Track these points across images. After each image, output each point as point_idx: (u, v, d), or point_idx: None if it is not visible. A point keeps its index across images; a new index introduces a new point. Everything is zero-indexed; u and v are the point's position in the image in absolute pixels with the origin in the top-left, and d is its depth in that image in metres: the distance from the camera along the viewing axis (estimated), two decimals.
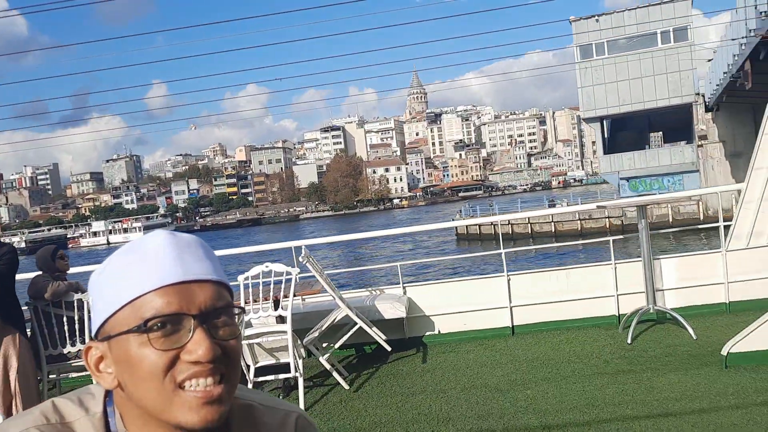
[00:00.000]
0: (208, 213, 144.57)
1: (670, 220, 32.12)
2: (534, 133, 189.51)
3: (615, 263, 5.53)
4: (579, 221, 34.75)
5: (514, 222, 36.23)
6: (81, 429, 0.83)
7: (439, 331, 5.69)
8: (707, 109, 32.18)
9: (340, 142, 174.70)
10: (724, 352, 4.13)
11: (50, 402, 0.85)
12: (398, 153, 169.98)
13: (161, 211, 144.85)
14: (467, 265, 26.23)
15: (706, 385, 3.94)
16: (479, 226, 38.03)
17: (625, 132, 41.78)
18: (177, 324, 0.77)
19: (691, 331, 4.80)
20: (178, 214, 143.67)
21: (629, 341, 4.88)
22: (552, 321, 5.57)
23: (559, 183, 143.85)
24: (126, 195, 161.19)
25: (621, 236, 6.02)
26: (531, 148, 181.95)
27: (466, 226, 39.05)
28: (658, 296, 5.09)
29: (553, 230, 35.13)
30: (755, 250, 5.37)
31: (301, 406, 4.22)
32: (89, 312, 4.61)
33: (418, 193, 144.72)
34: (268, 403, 0.95)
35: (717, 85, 28.81)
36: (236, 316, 0.83)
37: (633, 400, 3.83)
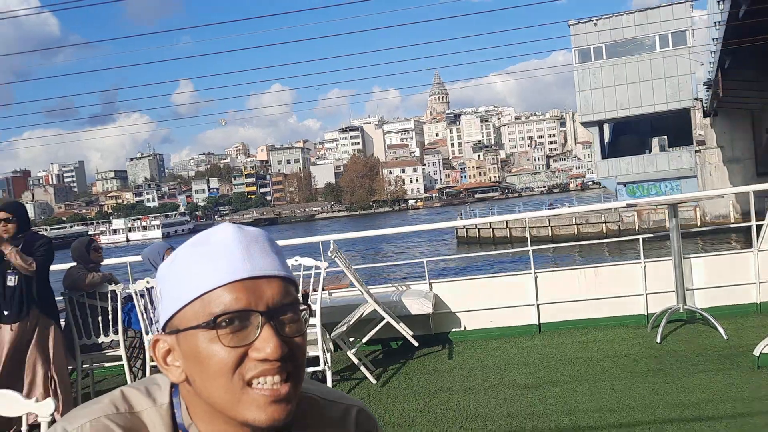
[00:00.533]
0: (226, 212, 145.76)
1: (667, 225, 31.61)
2: (554, 135, 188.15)
3: (644, 262, 5.48)
4: (576, 225, 34.34)
5: (512, 226, 36.07)
6: (148, 419, 0.84)
7: (465, 328, 5.69)
8: (705, 114, 31.73)
9: (359, 143, 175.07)
10: (756, 352, 4.07)
11: (119, 391, 0.86)
12: (416, 154, 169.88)
13: (181, 209, 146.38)
14: (467, 265, 26.05)
15: (738, 386, 3.89)
16: (479, 229, 37.81)
17: (628, 136, 41.72)
18: (245, 321, 0.77)
19: (722, 331, 4.75)
20: (197, 213, 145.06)
21: (658, 341, 4.83)
22: (579, 319, 5.54)
23: (577, 185, 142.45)
24: (147, 193, 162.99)
25: (651, 235, 5.95)
26: (551, 149, 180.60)
27: (466, 229, 38.88)
28: (687, 296, 5.04)
29: (550, 234, 34.62)
30: None
31: None
32: (122, 303, 4.71)
33: (433, 194, 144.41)
34: (329, 396, 0.96)
35: (707, 91, 28.54)
36: (302, 313, 0.82)
37: (664, 401, 3.79)
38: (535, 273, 5.63)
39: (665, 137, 42.96)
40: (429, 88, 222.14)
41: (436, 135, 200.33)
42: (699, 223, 30.40)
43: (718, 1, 17.78)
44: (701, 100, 34.30)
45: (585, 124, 40.42)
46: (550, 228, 34.48)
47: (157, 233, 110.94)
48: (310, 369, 4.43)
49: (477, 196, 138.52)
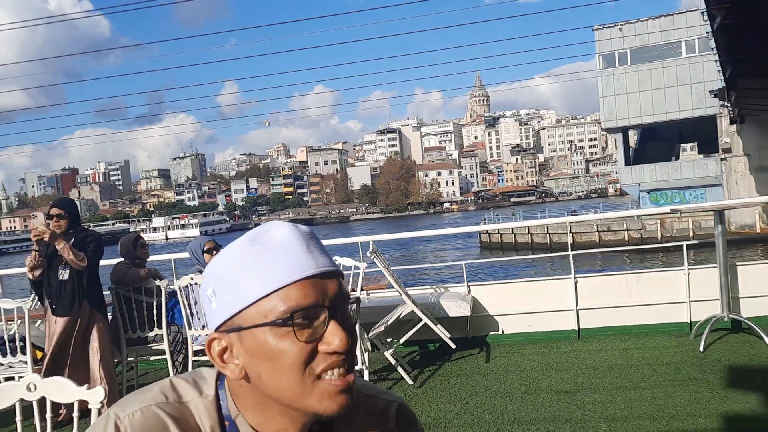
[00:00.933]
0: (264, 212, 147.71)
1: (691, 234, 30.98)
2: (595, 139, 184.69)
3: (688, 269, 5.36)
4: (597, 233, 33.54)
5: (534, 232, 35.55)
6: (195, 409, 0.87)
7: (503, 332, 5.66)
8: (731, 122, 30.61)
9: (396, 145, 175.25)
10: None
11: (168, 380, 0.90)
12: (453, 156, 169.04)
13: (220, 208, 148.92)
14: (489, 267, 25.85)
15: None
16: (501, 235, 37.69)
17: (655, 143, 40.99)
18: (314, 316, 0.80)
19: None
20: (236, 212, 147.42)
21: (701, 349, 4.72)
22: (620, 326, 5.45)
23: (615, 191, 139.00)
24: (188, 192, 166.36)
25: (695, 241, 5.83)
26: (591, 153, 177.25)
27: (489, 234, 38.78)
28: (733, 304, 4.89)
29: (572, 241, 33.70)
30: None
31: None
32: (166, 299, 4.84)
33: (469, 198, 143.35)
34: (370, 391, 0.98)
35: (721, 101, 27.69)
36: (352, 306, 0.86)
37: (707, 411, 3.71)
38: (575, 278, 5.56)
39: (695, 144, 42.16)
40: (470, 89, 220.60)
41: (475, 138, 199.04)
42: None
43: (702, 12, 17.30)
44: (727, 107, 33.31)
45: (608, 130, 40.13)
46: (571, 234, 33.76)
47: (194, 231, 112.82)
48: None
49: (513, 199, 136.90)
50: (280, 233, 0.84)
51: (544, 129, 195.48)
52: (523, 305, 5.63)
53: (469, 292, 5.70)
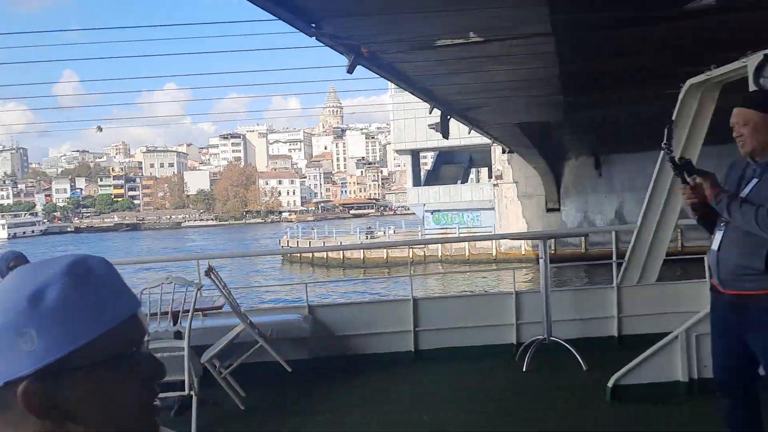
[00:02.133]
0: (89, 214, 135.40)
1: (467, 254, 33.93)
2: None
3: (516, 292, 5.69)
4: (385, 250, 35.72)
5: (329, 249, 37.70)
6: None
7: (343, 353, 5.58)
8: (503, 151, 33.57)
9: (240, 151, 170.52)
10: (610, 384, 4.27)
11: None
12: (299, 166, 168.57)
13: (38, 208, 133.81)
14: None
15: (592, 416, 4.12)
16: (300, 254, 39.85)
17: (449, 165, 44.74)
18: (140, 351, 0.81)
19: (582, 362, 4.99)
20: (56, 214, 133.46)
21: (524, 370, 5.01)
22: (454, 347, 5.63)
23: None
24: (2, 190, 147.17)
25: (523, 265, 6.26)
26: None
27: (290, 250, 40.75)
28: (554, 327, 5.27)
29: (363, 258, 35.88)
30: (644, 287, 5.70)
31: (194, 425, 3.97)
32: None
33: (310, 208, 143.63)
34: None
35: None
36: None
37: (523, 430, 3.95)
38: (414, 299, 5.66)
39: (485, 169, 46.73)
40: (325, 101, 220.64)
41: (325, 148, 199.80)
42: (495, 254, 32.80)
43: None
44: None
45: (399, 152, 42.60)
46: (362, 251, 35.54)
47: (1, 234, 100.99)
48: (175, 394, 4.10)
49: (352, 211, 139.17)
50: (99, 268, 0.80)
51: (389, 143, 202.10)
52: (363, 326, 5.62)
53: (309, 312, 5.56)
